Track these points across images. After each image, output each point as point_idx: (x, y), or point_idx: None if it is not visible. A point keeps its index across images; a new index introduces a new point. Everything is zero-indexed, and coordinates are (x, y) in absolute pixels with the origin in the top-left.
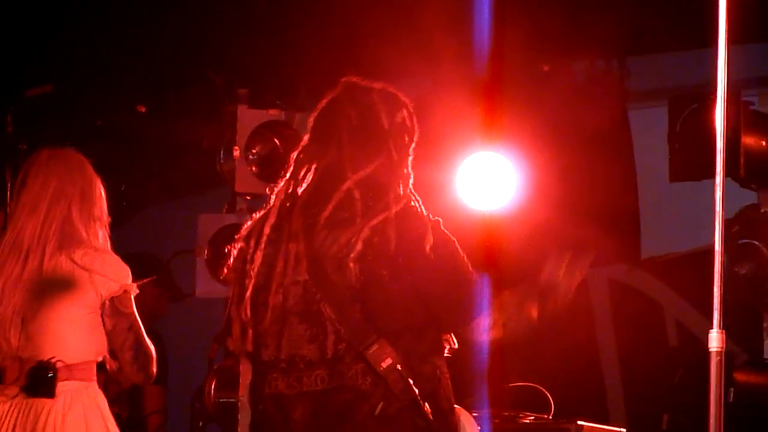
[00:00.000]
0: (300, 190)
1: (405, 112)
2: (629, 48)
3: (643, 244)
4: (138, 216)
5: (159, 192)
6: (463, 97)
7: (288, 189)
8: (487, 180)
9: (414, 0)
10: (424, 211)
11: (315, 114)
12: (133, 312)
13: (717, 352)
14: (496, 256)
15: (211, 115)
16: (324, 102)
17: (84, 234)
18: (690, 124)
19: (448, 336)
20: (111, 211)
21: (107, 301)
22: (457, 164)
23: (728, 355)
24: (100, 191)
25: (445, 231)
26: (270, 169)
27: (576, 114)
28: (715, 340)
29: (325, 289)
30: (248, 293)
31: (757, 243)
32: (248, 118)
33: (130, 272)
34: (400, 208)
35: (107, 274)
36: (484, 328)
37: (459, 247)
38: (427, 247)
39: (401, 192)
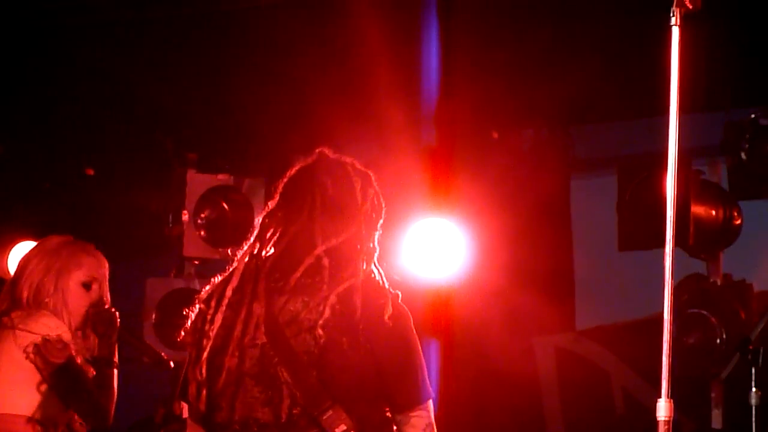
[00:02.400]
0: (265, 254)
1: (373, 188)
2: (577, 116)
3: (590, 312)
4: None
5: (106, 255)
6: (411, 164)
7: (252, 251)
8: (434, 247)
9: (362, 67)
10: (385, 284)
11: (285, 180)
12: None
13: (665, 421)
14: (444, 325)
15: (160, 179)
16: (295, 169)
17: None
18: (640, 193)
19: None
20: None
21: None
22: (404, 231)
23: (676, 425)
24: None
25: (402, 305)
26: (218, 233)
27: (521, 181)
28: (663, 409)
29: (283, 352)
30: (205, 354)
31: (705, 313)
32: (197, 182)
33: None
34: (365, 279)
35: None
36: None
37: (413, 326)
38: (386, 317)
39: (365, 265)
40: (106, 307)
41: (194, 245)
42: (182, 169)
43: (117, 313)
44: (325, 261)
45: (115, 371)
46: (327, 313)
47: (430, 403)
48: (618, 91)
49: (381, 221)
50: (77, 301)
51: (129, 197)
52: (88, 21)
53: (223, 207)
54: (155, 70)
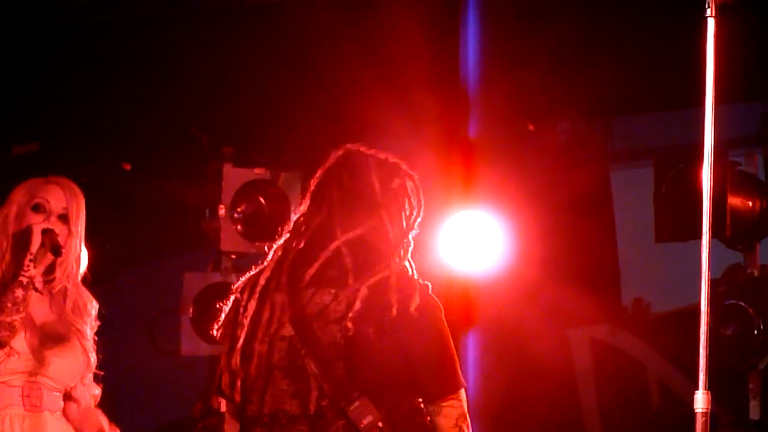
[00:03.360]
0: (294, 247)
1: (406, 182)
2: (613, 108)
3: (627, 304)
4: (122, 274)
5: (144, 250)
6: (448, 156)
7: (285, 245)
8: (470, 240)
9: (399, 59)
10: (415, 275)
11: (315, 177)
12: None
13: (702, 413)
14: (480, 318)
15: (197, 173)
16: (323, 167)
17: None
18: (676, 185)
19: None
20: (95, 269)
21: None
22: (440, 224)
23: (713, 416)
24: None
25: (433, 296)
26: (255, 227)
27: (559, 173)
28: (700, 401)
29: (310, 345)
30: (239, 343)
31: (742, 304)
32: (234, 176)
33: None
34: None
35: None
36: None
37: (443, 317)
38: (413, 308)
39: (398, 258)
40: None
41: (231, 239)
42: (219, 164)
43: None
44: (346, 252)
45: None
46: (358, 305)
47: (463, 393)
48: (655, 82)
49: (414, 213)
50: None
51: (166, 192)
52: (124, 16)
53: (260, 201)
54: (191, 64)
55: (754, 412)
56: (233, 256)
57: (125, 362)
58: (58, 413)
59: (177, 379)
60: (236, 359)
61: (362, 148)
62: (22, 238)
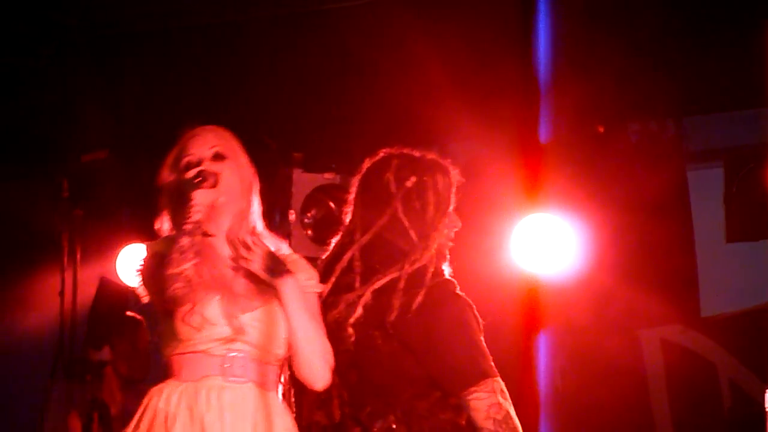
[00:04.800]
0: (326, 257)
1: (436, 178)
2: (685, 108)
3: (701, 305)
4: None
5: None
6: (519, 160)
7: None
8: (543, 243)
9: (468, 63)
10: (445, 272)
11: (352, 187)
12: None
13: None
14: (551, 320)
15: (266, 179)
16: (358, 174)
17: None
18: (747, 185)
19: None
20: None
21: None
22: (512, 227)
23: None
24: None
25: (455, 293)
26: (325, 232)
27: (631, 175)
28: None
29: None
30: None
31: None
32: (303, 181)
33: None
34: (429, 282)
35: None
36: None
37: (466, 312)
38: (414, 306)
39: (418, 256)
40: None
41: (301, 244)
42: (288, 169)
43: None
44: (357, 257)
45: None
46: (359, 311)
47: (492, 382)
48: (725, 82)
49: (442, 208)
50: None
51: None
52: (190, 23)
53: (330, 206)
54: (260, 70)
55: None
56: None
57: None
58: (270, 390)
59: None
60: None
61: (394, 151)
62: (179, 195)
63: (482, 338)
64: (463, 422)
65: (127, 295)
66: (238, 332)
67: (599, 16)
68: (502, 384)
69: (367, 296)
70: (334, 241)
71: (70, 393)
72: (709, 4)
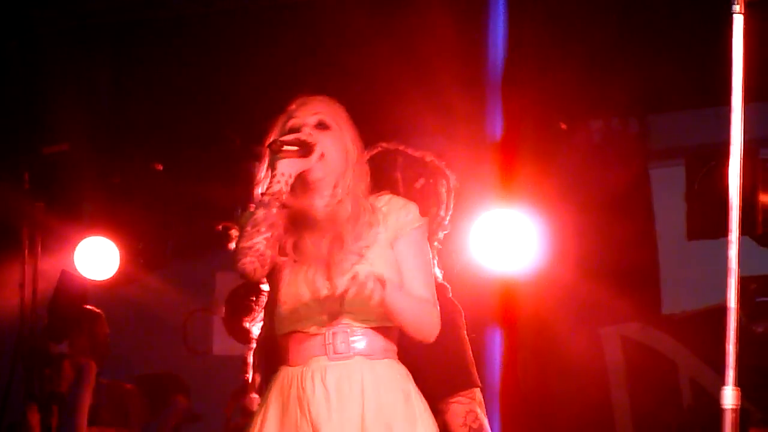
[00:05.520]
0: None
1: (438, 182)
2: (646, 106)
3: (662, 302)
4: (154, 274)
5: (176, 250)
6: (480, 155)
7: None
8: (505, 239)
9: (430, 58)
10: (439, 277)
11: None
12: None
13: (731, 409)
14: (513, 317)
15: (229, 173)
16: None
17: None
18: (708, 182)
19: None
20: (127, 269)
21: None
22: (473, 223)
23: (743, 413)
24: None
25: (449, 299)
26: None
27: (594, 172)
28: (729, 397)
29: None
30: None
31: None
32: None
33: None
34: None
35: None
36: None
37: (455, 317)
38: None
39: None
40: None
41: None
42: (250, 163)
43: None
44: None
45: None
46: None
47: (476, 391)
48: (687, 80)
49: (442, 214)
50: None
51: (198, 192)
52: (154, 15)
53: None
54: (224, 64)
55: None
56: None
57: (158, 362)
58: (382, 358)
59: (209, 378)
60: None
61: (396, 146)
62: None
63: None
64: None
65: (87, 288)
66: (333, 306)
67: (562, 14)
68: (481, 396)
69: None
70: None
71: (29, 386)
72: (671, 3)
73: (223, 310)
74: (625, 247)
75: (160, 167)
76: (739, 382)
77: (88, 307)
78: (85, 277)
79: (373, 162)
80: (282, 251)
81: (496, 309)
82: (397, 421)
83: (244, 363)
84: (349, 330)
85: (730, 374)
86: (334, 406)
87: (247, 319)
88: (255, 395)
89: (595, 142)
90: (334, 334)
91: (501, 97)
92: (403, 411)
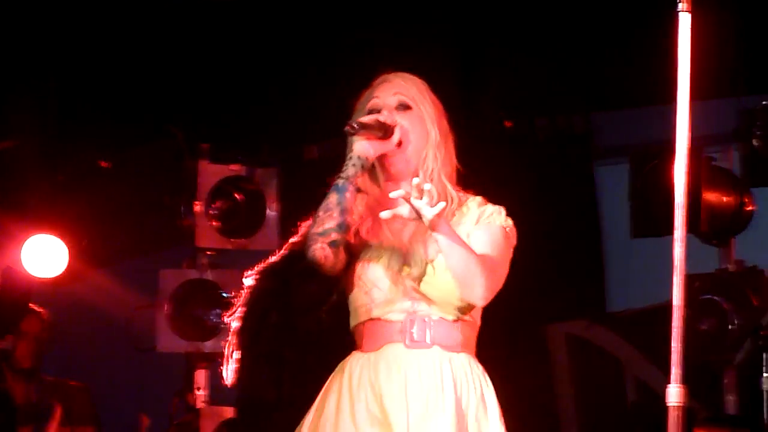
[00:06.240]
0: None
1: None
2: (592, 104)
3: (606, 300)
4: (99, 271)
5: (120, 248)
6: None
7: None
8: None
9: (374, 56)
10: None
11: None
12: None
13: (676, 407)
14: None
15: (173, 170)
16: None
17: None
18: (651, 181)
19: None
20: (73, 267)
21: None
22: None
23: (688, 411)
24: None
25: None
26: (231, 224)
27: (538, 169)
28: (673, 395)
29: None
30: None
31: (718, 299)
32: (210, 173)
33: None
34: None
35: None
36: None
37: None
38: None
39: None
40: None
41: (207, 236)
42: (195, 160)
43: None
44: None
45: None
46: (334, 299)
47: None
48: (633, 78)
49: None
50: None
51: (142, 189)
52: (99, 12)
53: (236, 197)
54: (168, 60)
55: (730, 407)
56: (209, 253)
57: (103, 359)
58: (459, 351)
59: (153, 375)
60: None
61: None
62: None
63: None
64: None
65: (31, 286)
66: (410, 292)
67: (507, 11)
68: None
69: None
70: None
71: None
72: (617, 0)
73: (168, 308)
74: (569, 244)
75: (105, 164)
76: (685, 380)
77: (31, 305)
78: (29, 275)
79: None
80: (358, 237)
81: None
82: (470, 414)
83: (189, 360)
84: (427, 319)
85: (676, 372)
86: (408, 393)
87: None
88: (199, 391)
89: (540, 140)
90: (411, 321)
91: (446, 95)
92: (477, 405)
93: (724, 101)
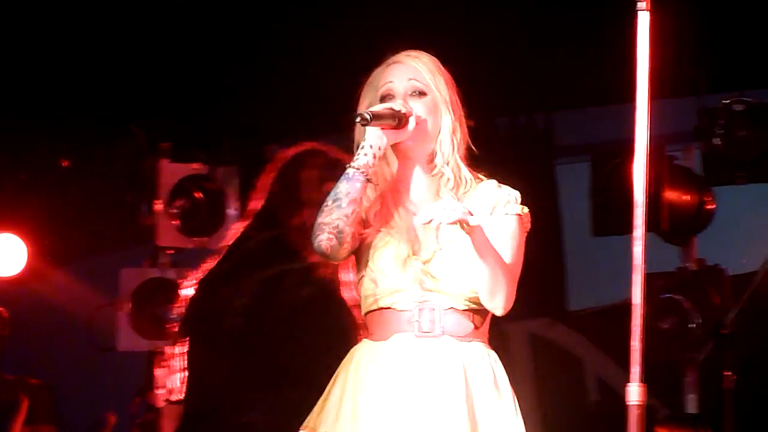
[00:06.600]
0: None
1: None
2: (553, 102)
3: (567, 299)
4: (59, 270)
5: (81, 246)
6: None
7: None
8: None
9: (334, 55)
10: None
11: (272, 178)
12: None
13: (637, 405)
14: None
15: (134, 169)
16: (281, 165)
17: None
18: (612, 179)
19: None
20: (33, 265)
21: None
22: None
23: (649, 410)
24: None
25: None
26: (192, 222)
27: (499, 167)
28: (634, 393)
29: None
30: None
31: (679, 297)
32: (170, 172)
33: None
34: None
35: None
36: None
37: None
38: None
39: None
40: None
41: (168, 235)
42: (155, 159)
43: None
44: (257, 248)
45: None
46: (248, 299)
47: None
48: (594, 77)
49: None
50: None
51: (103, 188)
52: (60, 11)
53: (197, 196)
54: (128, 59)
55: (691, 406)
56: (170, 252)
57: (63, 358)
58: (471, 340)
59: (114, 374)
60: None
61: (317, 147)
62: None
63: None
64: None
65: None
66: (420, 281)
67: (467, 10)
68: None
69: (256, 285)
70: (239, 226)
71: None
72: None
73: (128, 306)
74: (529, 242)
75: (66, 163)
76: (645, 379)
77: None
78: None
79: (294, 160)
80: (368, 226)
81: None
82: (483, 403)
83: (150, 359)
84: (436, 309)
85: (636, 371)
86: (417, 382)
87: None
88: (160, 390)
89: (501, 138)
90: (421, 311)
91: None
92: (491, 394)
93: (685, 100)
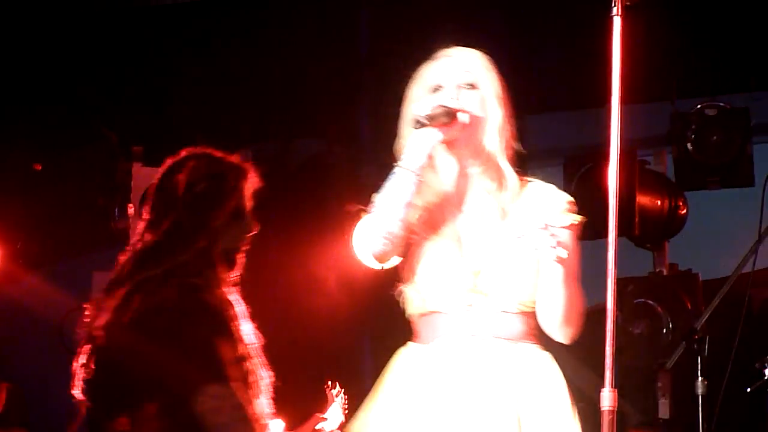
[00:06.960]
0: None
1: (227, 182)
2: (525, 107)
3: None
4: (32, 273)
5: (54, 250)
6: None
7: None
8: None
9: (304, 59)
10: (204, 292)
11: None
12: None
13: (609, 411)
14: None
15: (106, 172)
16: (161, 172)
17: None
18: (584, 184)
19: None
20: (6, 268)
21: None
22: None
23: (621, 415)
24: None
25: (221, 317)
26: None
27: None
28: (606, 399)
29: None
30: None
31: (651, 302)
32: (143, 175)
33: None
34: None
35: None
36: None
37: (207, 335)
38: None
39: (183, 266)
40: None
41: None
42: (128, 163)
43: None
44: (133, 260)
45: None
46: (108, 314)
47: (218, 388)
48: (566, 81)
49: (226, 212)
50: None
51: (75, 191)
52: (32, 16)
53: None
54: (101, 63)
55: (663, 410)
56: None
57: (35, 362)
58: (520, 341)
59: None
60: None
61: (196, 150)
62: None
63: (225, 342)
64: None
65: None
66: (469, 285)
67: (440, 14)
68: (232, 390)
69: (119, 299)
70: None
71: None
72: (550, 4)
73: None
74: None
75: (39, 167)
76: (618, 384)
77: None
78: None
79: (168, 167)
80: (416, 227)
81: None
82: (535, 404)
83: None
84: (486, 312)
85: (608, 376)
86: (468, 385)
87: None
88: None
89: None
90: (470, 314)
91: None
92: (543, 394)
93: (658, 105)
